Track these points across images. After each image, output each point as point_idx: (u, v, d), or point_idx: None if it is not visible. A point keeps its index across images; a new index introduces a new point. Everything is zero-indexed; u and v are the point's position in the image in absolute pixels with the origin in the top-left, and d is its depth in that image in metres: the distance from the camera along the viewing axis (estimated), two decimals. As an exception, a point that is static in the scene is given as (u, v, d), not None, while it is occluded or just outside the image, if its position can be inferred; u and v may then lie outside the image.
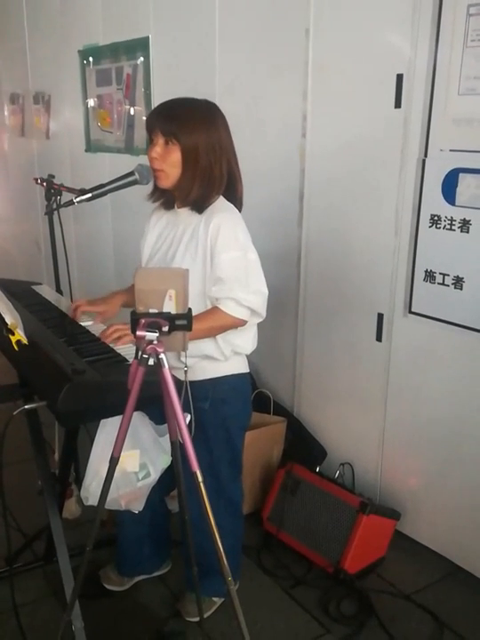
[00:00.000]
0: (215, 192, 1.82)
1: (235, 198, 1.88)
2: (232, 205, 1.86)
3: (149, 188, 1.93)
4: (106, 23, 3.73)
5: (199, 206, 1.81)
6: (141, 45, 3.42)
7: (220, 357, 1.88)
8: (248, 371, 2.01)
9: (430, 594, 2.31)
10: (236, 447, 2.05)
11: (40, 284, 2.43)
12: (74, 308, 1.98)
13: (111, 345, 1.71)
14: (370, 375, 2.61)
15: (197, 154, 1.75)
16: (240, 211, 1.89)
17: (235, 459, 2.07)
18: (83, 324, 1.93)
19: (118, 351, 1.68)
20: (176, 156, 1.75)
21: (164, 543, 2.34)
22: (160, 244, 1.93)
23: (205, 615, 2.10)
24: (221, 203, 1.84)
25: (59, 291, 2.63)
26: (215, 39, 2.97)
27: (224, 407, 1.93)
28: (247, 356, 2.00)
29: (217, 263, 1.76)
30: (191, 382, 1.74)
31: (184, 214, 1.86)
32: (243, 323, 1.81)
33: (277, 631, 2.14)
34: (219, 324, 1.79)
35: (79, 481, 2.28)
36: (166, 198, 1.90)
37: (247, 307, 1.78)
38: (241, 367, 1.97)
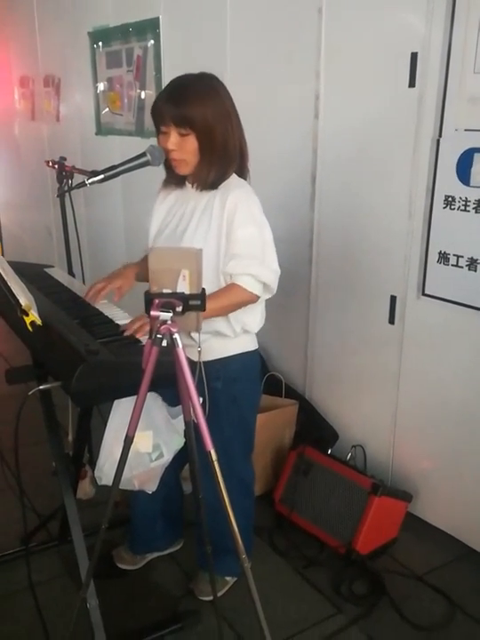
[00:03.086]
0: (231, 168, 1.82)
1: (243, 167, 1.88)
2: (245, 182, 1.86)
3: (161, 175, 1.92)
4: (116, 4, 3.70)
5: (216, 185, 1.80)
6: (151, 26, 3.39)
7: (231, 334, 1.88)
8: (257, 347, 2.01)
9: (442, 575, 2.32)
10: (248, 425, 2.07)
11: (52, 266, 2.43)
12: (96, 292, 1.91)
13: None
14: (382, 358, 2.61)
15: (212, 135, 1.75)
16: (246, 180, 1.89)
17: (247, 437, 2.09)
18: (101, 302, 1.92)
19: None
20: (192, 142, 1.74)
21: (177, 520, 2.36)
22: (169, 220, 1.92)
23: (218, 595, 2.11)
24: (236, 179, 1.84)
25: (71, 273, 2.64)
26: (227, 19, 2.93)
27: (235, 386, 1.94)
28: (259, 340, 2.00)
29: (234, 239, 1.76)
30: (202, 362, 1.75)
31: (194, 190, 1.85)
32: (256, 299, 1.82)
33: (289, 611, 2.16)
34: (235, 301, 1.79)
35: (93, 462, 2.30)
36: (179, 178, 1.89)
37: (263, 282, 1.79)
38: (249, 345, 1.98)
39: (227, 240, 1.77)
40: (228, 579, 2.22)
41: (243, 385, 1.98)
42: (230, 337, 1.90)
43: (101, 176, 1.81)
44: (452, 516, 2.51)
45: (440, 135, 2.23)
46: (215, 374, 1.88)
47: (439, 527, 2.55)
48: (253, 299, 1.81)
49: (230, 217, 1.76)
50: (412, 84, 2.27)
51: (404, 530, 2.50)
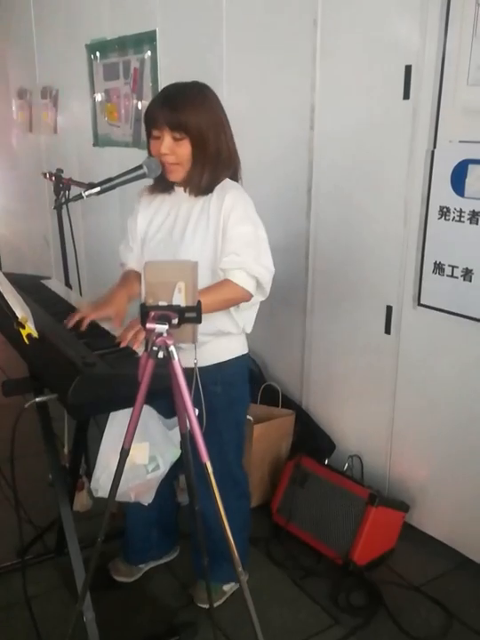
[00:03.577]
0: (224, 174, 1.84)
1: (235, 175, 1.90)
2: (239, 185, 1.88)
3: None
4: (113, 17, 3.73)
5: (209, 189, 1.82)
6: (148, 39, 3.41)
7: (235, 331, 1.91)
8: (247, 350, 2.04)
9: (439, 585, 2.32)
10: (242, 428, 2.12)
11: (49, 278, 2.44)
12: (81, 321, 1.79)
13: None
14: (378, 368, 2.61)
15: (206, 141, 1.76)
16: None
17: (241, 440, 2.13)
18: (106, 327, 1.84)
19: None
20: (186, 147, 1.76)
21: (172, 529, 2.37)
22: (160, 223, 1.92)
23: (216, 604, 2.11)
24: (230, 181, 1.86)
25: (67, 285, 2.65)
26: (222, 31, 2.96)
27: (232, 390, 1.98)
28: (255, 350, 2.02)
29: (229, 237, 1.78)
30: (200, 367, 1.76)
31: (186, 194, 1.86)
32: (249, 296, 1.82)
33: (287, 622, 2.15)
34: (227, 296, 1.79)
35: (89, 473, 2.30)
36: (168, 183, 1.89)
37: (255, 278, 1.79)
38: (244, 348, 2.01)
39: (223, 238, 1.79)
40: (225, 588, 2.22)
41: (238, 388, 2.02)
42: (233, 335, 1.92)
43: (98, 188, 1.82)
44: (449, 525, 2.50)
45: (434, 146, 2.25)
46: (213, 379, 1.90)
47: (436, 537, 2.54)
48: (246, 296, 1.81)
49: (226, 215, 1.78)
50: (406, 95, 2.29)
51: (401, 540, 2.49)
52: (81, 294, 2.65)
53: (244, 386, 2.07)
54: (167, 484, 2.14)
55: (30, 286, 2.22)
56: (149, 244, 1.93)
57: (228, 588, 2.22)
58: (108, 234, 4.13)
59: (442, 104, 2.20)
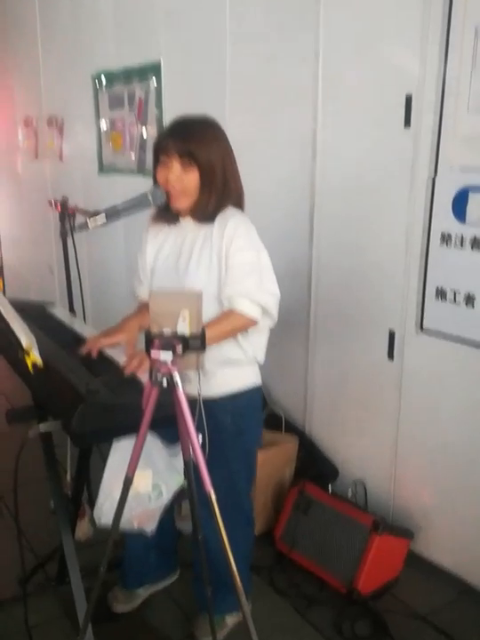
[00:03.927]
0: (229, 203, 1.86)
1: (239, 206, 1.91)
2: (241, 211, 1.90)
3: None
4: (118, 48, 3.79)
5: (212, 218, 1.84)
6: (153, 69, 3.47)
7: (243, 358, 1.89)
8: (261, 383, 2.02)
9: (445, 614, 2.28)
10: (252, 459, 2.09)
11: (53, 303, 2.45)
12: (91, 348, 1.83)
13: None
14: (382, 393, 2.61)
15: (214, 171, 1.79)
16: None
17: (251, 470, 2.11)
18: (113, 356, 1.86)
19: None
20: (194, 176, 1.78)
21: (171, 551, 2.35)
22: (167, 255, 1.94)
23: (219, 638, 2.08)
24: (232, 209, 1.87)
25: (71, 311, 2.66)
26: (226, 61, 3.01)
27: (243, 420, 1.96)
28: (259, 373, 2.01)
29: (231, 263, 1.79)
30: (210, 398, 1.76)
31: (191, 224, 1.88)
32: (254, 322, 1.82)
33: (291, 653, 2.12)
34: (232, 325, 1.80)
35: (92, 501, 2.28)
36: (172, 215, 1.91)
37: (260, 305, 1.80)
38: (257, 379, 1.99)
39: (226, 265, 1.80)
40: (228, 620, 2.18)
41: (249, 419, 2.00)
42: (242, 363, 1.91)
43: (104, 218, 1.83)
44: (453, 553, 2.48)
45: (435, 173, 2.27)
46: (224, 410, 1.89)
47: (441, 565, 2.52)
48: (250, 323, 1.82)
49: (228, 242, 1.79)
50: (407, 123, 2.32)
51: (407, 568, 2.46)
52: (85, 320, 2.66)
53: (255, 417, 2.05)
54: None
55: (34, 312, 2.23)
56: (157, 275, 1.95)
57: (231, 620, 2.19)
58: (113, 261, 4.16)
59: (442, 132, 2.22)
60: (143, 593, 2.33)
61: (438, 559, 2.53)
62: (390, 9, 2.32)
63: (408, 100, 2.29)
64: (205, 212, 1.83)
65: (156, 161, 1.83)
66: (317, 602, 2.35)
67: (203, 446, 1.52)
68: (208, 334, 1.39)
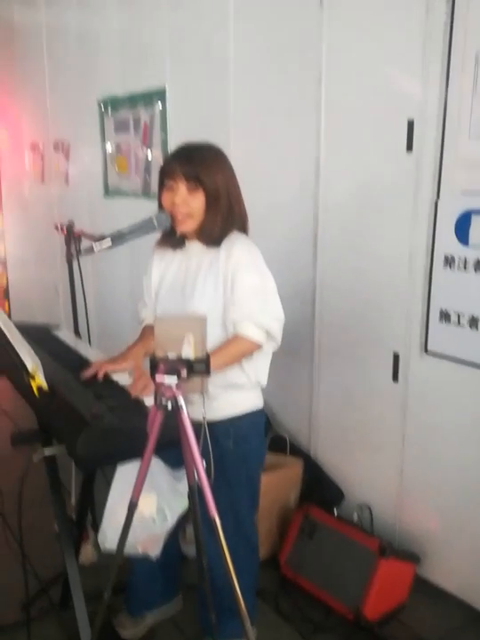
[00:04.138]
0: (234, 227, 1.87)
1: (243, 230, 1.93)
2: (246, 236, 1.91)
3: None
4: (124, 74, 3.85)
5: (219, 242, 1.85)
6: (158, 95, 3.52)
7: (246, 382, 1.89)
8: (263, 406, 2.02)
9: (453, 641, 2.26)
10: (255, 483, 2.07)
11: (58, 326, 2.46)
12: (96, 371, 1.84)
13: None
14: (386, 416, 2.60)
15: (219, 194, 1.81)
16: None
17: (254, 495, 2.08)
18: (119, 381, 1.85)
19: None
20: (200, 199, 1.80)
21: (174, 574, 2.32)
22: (172, 279, 1.95)
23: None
24: (237, 233, 1.89)
25: (77, 333, 2.67)
26: (230, 86, 3.05)
27: (245, 445, 1.95)
28: (263, 399, 2.01)
29: (236, 288, 1.80)
30: (211, 421, 1.75)
31: (196, 248, 1.90)
32: (259, 347, 1.83)
33: (297, 680, 2.09)
34: (237, 350, 1.80)
35: (96, 525, 2.27)
36: (177, 240, 1.93)
37: (264, 329, 1.80)
38: (259, 402, 1.99)
39: (231, 289, 1.81)
40: (233, 646, 2.16)
41: (251, 443, 1.99)
42: (245, 387, 1.90)
43: (109, 242, 1.85)
44: (459, 577, 2.45)
45: (438, 197, 2.29)
46: (226, 433, 1.89)
47: (447, 589, 2.49)
48: (254, 347, 1.82)
49: (234, 266, 1.81)
50: (409, 148, 2.34)
51: (413, 593, 2.43)
52: (90, 343, 2.67)
53: (258, 441, 2.04)
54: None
55: (40, 335, 2.24)
56: (162, 298, 1.96)
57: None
58: (118, 284, 4.18)
59: (444, 156, 2.25)
60: (149, 620, 2.30)
61: (445, 584, 2.50)
62: (392, 35, 2.36)
63: (410, 125, 2.32)
64: (212, 234, 1.85)
65: (162, 185, 1.86)
66: (323, 628, 2.32)
67: (207, 471, 1.51)
68: (214, 361, 1.40)
